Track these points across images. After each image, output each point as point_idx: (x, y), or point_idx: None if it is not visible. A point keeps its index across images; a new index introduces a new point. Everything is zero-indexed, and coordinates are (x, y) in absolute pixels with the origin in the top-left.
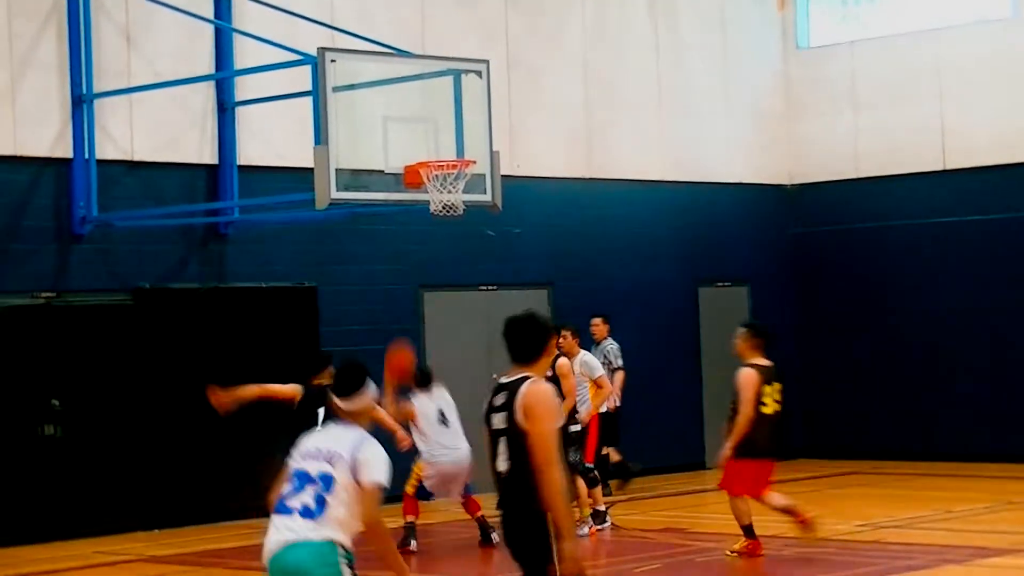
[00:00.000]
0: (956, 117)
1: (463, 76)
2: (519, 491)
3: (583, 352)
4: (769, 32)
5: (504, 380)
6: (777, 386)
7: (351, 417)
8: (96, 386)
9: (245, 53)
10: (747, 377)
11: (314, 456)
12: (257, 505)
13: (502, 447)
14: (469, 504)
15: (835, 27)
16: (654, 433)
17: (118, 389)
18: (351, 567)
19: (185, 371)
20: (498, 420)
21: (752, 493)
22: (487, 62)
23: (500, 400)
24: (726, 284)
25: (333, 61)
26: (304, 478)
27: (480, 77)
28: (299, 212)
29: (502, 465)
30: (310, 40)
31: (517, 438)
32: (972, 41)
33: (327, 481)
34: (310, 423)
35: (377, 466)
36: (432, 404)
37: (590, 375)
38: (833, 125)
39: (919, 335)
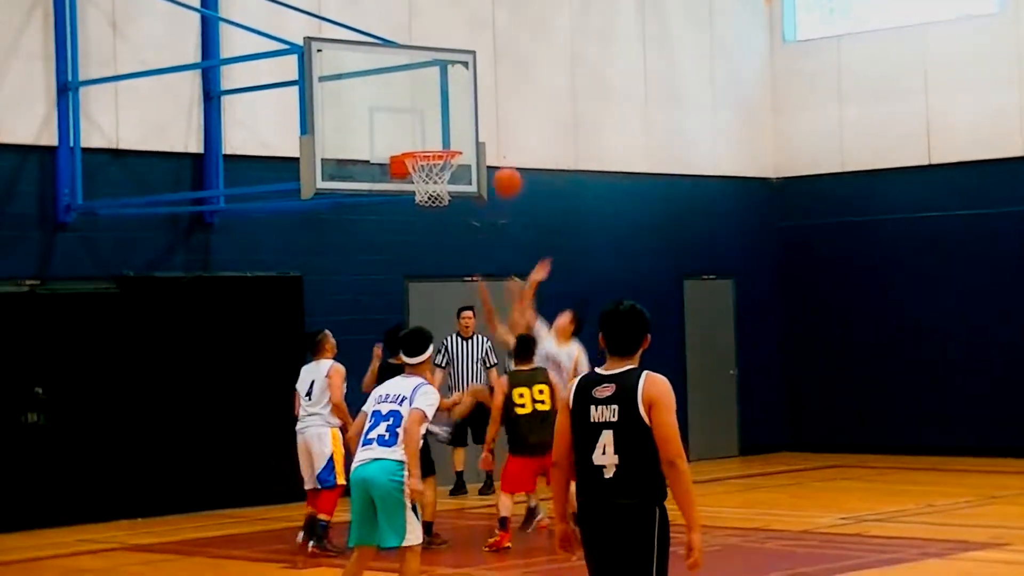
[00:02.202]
0: (941, 112)
1: (450, 67)
2: (630, 485)
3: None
4: (756, 25)
5: (604, 372)
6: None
7: (415, 371)
8: (80, 374)
9: (232, 42)
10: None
11: (386, 400)
12: (240, 494)
13: (606, 440)
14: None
15: (822, 21)
16: None
17: (102, 377)
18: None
19: (170, 360)
20: (605, 412)
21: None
22: (473, 53)
23: (606, 392)
24: (711, 277)
25: (320, 51)
26: (379, 416)
27: (467, 68)
28: (285, 202)
29: (605, 459)
30: (297, 29)
31: (632, 431)
32: (958, 36)
33: (396, 417)
34: None
35: (423, 401)
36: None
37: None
38: (819, 119)
39: (903, 329)
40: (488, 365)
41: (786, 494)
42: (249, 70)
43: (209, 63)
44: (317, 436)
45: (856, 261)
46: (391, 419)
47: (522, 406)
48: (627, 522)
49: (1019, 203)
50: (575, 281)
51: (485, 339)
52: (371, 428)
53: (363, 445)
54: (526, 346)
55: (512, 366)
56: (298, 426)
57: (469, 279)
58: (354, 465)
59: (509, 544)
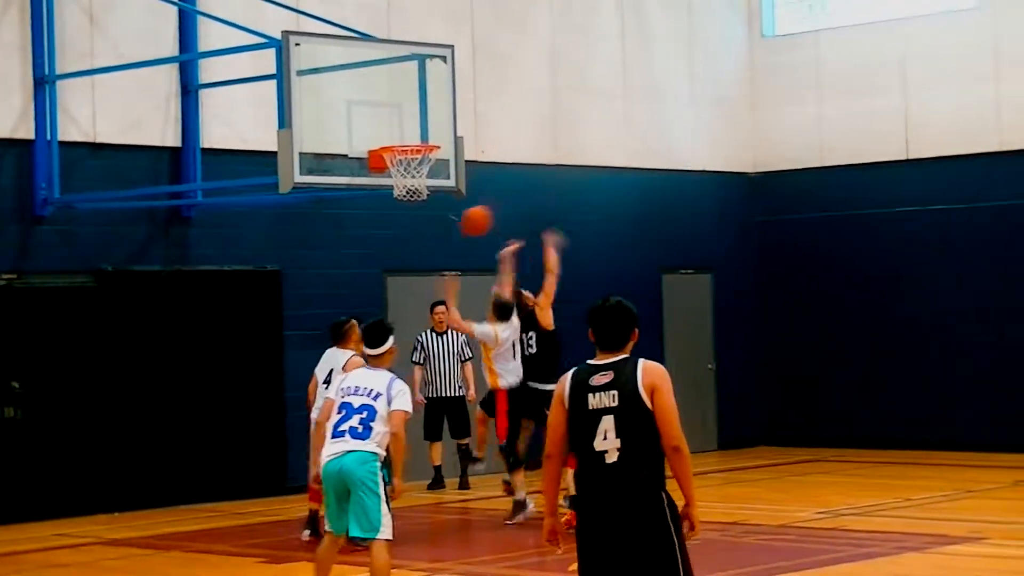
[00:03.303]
0: (920, 107)
1: (428, 61)
2: (633, 469)
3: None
4: (735, 20)
5: (598, 362)
6: None
7: (379, 362)
8: (57, 368)
9: (209, 35)
10: None
11: (356, 392)
12: (218, 488)
13: (606, 425)
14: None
15: (801, 16)
16: None
17: (80, 372)
18: (383, 469)
19: (148, 354)
20: (604, 399)
21: None
22: (452, 47)
23: (604, 379)
24: (689, 272)
25: (298, 44)
26: (350, 408)
27: (445, 62)
28: (263, 196)
29: (607, 444)
30: (275, 23)
31: (632, 414)
32: (936, 31)
33: (370, 411)
34: None
35: (403, 401)
36: None
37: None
38: (797, 114)
39: (881, 323)
40: (464, 359)
41: (764, 488)
42: (227, 64)
43: (187, 56)
44: None
45: (834, 256)
46: (364, 413)
47: None
48: (636, 509)
49: (997, 198)
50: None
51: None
52: (342, 420)
53: (334, 437)
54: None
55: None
56: (312, 413)
57: (442, 275)
58: (328, 457)
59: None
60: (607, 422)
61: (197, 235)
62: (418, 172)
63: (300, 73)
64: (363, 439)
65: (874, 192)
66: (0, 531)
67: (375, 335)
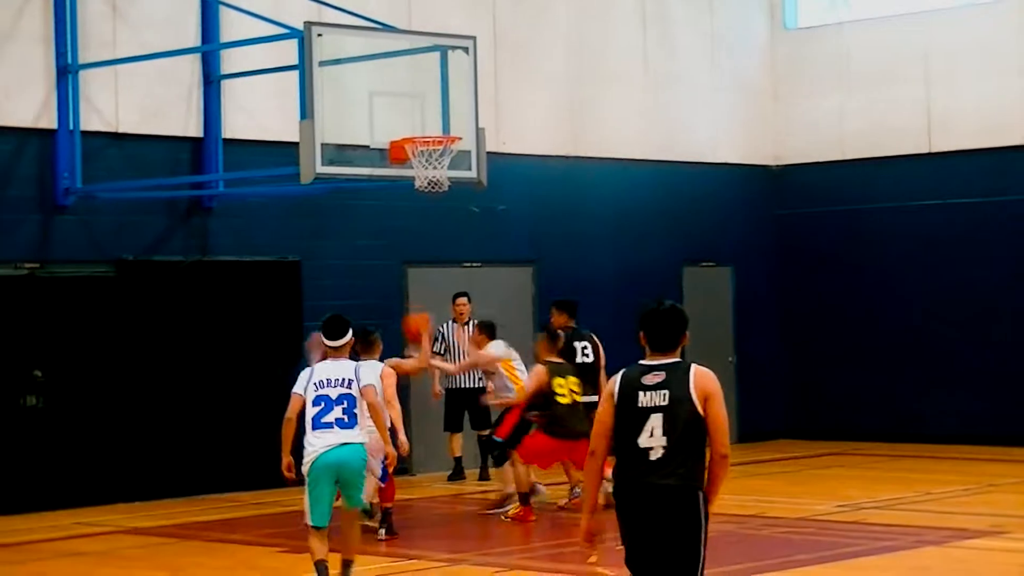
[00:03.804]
0: (942, 100)
1: (450, 52)
2: (675, 466)
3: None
4: (757, 11)
5: (650, 363)
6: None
7: (339, 353)
8: (78, 358)
9: (232, 26)
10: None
11: (329, 385)
12: (237, 478)
13: (654, 423)
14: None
15: (823, 8)
16: None
17: (100, 361)
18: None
19: (168, 344)
20: (654, 398)
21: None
22: (474, 39)
23: (656, 379)
24: (710, 264)
25: (320, 35)
26: (329, 400)
27: (467, 53)
28: (284, 186)
29: (653, 441)
30: (297, 14)
31: (681, 415)
32: (960, 24)
33: (351, 400)
34: None
35: (369, 375)
36: None
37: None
38: (819, 107)
39: (902, 317)
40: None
41: (784, 481)
42: (249, 54)
43: (209, 47)
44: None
45: (855, 249)
46: (345, 403)
47: (563, 395)
48: (673, 503)
49: (1020, 192)
50: (574, 266)
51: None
52: (324, 412)
53: (321, 428)
54: (555, 337)
55: (544, 356)
56: None
57: (469, 264)
58: (323, 447)
59: (535, 518)
60: (655, 420)
61: (218, 225)
62: (439, 164)
63: (322, 64)
64: (351, 428)
65: (896, 185)
66: (21, 519)
67: (335, 328)
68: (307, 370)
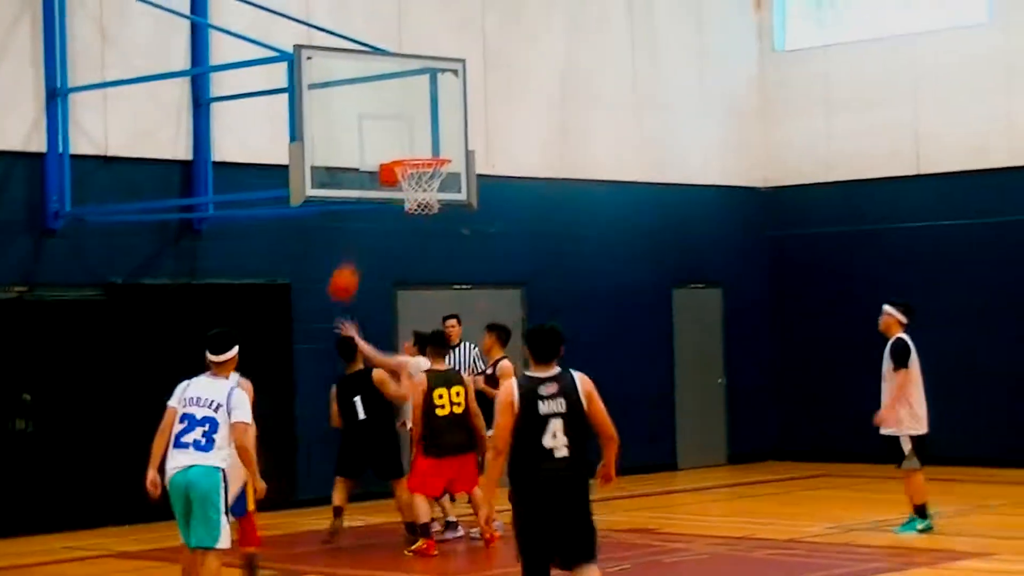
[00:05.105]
0: (931, 121)
1: (440, 74)
2: (576, 461)
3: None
4: (746, 33)
5: (539, 375)
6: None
7: (222, 370)
8: (67, 381)
9: (221, 49)
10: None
11: (197, 403)
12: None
13: (555, 427)
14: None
15: (812, 30)
16: (626, 433)
17: (89, 384)
18: (225, 483)
19: (157, 367)
20: (552, 405)
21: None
22: (463, 61)
23: (551, 390)
24: (700, 286)
25: (309, 58)
26: (193, 420)
27: (456, 76)
28: (274, 209)
29: (556, 442)
30: (286, 37)
31: (575, 418)
32: (948, 46)
33: (212, 423)
34: (349, 412)
35: (242, 411)
36: None
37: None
38: (808, 128)
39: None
40: (476, 372)
41: (774, 503)
42: (239, 77)
43: (198, 70)
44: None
45: (845, 270)
46: (207, 425)
47: (441, 407)
48: (576, 491)
49: (1008, 213)
50: (564, 288)
51: (472, 345)
52: (185, 431)
53: (177, 447)
54: (441, 342)
55: (427, 363)
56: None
57: (459, 287)
58: (173, 470)
59: (436, 552)
60: (556, 424)
61: (207, 248)
62: (429, 186)
63: (311, 86)
64: (206, 451)
65: (884, 207)
66: (10, 544)
67: (220, 342)
68: (183, 383)
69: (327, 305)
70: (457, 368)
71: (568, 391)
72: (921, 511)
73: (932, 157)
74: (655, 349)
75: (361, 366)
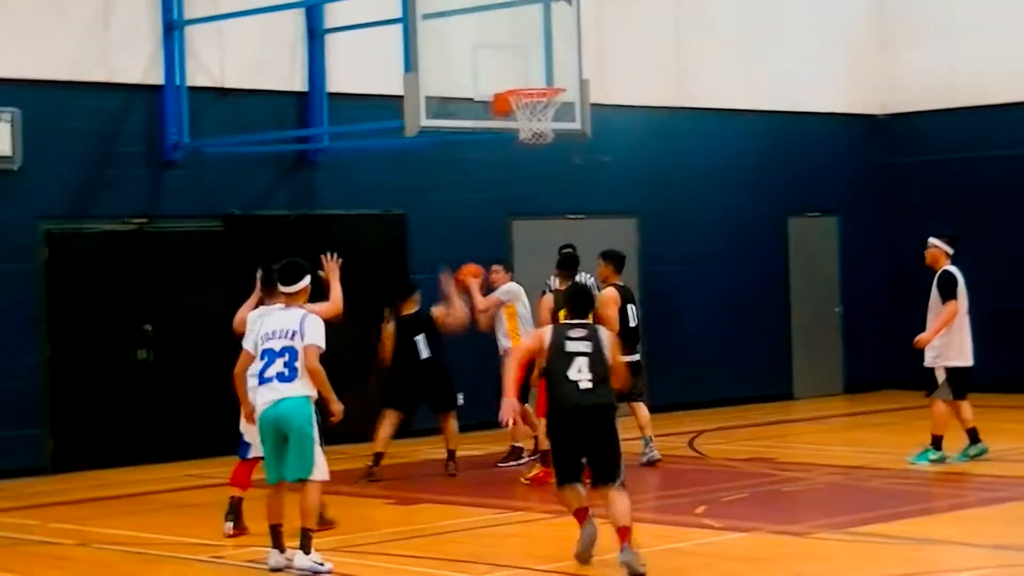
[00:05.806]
0: None
1: (553, 3)
2: (598, 393)
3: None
4: None
5: (572, 322)
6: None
7: (293, 300)
8: (187, 312)
9: None
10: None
11: (274, 336)
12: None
13: (580, 364)
14: None
15: None
16: (742, 364)
17: (209, 315)
18: (317, 413)
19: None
20: (580, 346)
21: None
22: None
23: (579, 333)
24: (815, 215)
25: None
26: (272, 353)
27: (570, 4)
28: (388, 140)
29: (580, 376)
30: None
31: (597, 359)
32: None
33: (292, 352)
34: (410, 349)
35: (314, 334)
36: None
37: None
38: (926, 54)
39: (1009, 266)
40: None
41: (890, 432)
42: (353, 8)
43: (313, 1)
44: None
45: (963, 198)
46: (286, 355)
47: None
48: (602, 416)
49: None
50: (678, 218)
51: (588, 276)
52: (267, 366)
53: (263, 383)
54: (570, 264)
55: (517, 288)
56: None
57: (573, 216)
58: (262, 405)
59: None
60: (581, 361)
61: (323, 179)
62: (543, 115)
63: (425, 17)
64: (291, 381)
65: (1004, 134)
66: (135, 471)
67: (291, 273)
68: (256, 320)
69: (441, 236)
70: None
71: (593, 338)
72: (937, 442)
73: None
74: (770, 278)
75: (417, 307)
